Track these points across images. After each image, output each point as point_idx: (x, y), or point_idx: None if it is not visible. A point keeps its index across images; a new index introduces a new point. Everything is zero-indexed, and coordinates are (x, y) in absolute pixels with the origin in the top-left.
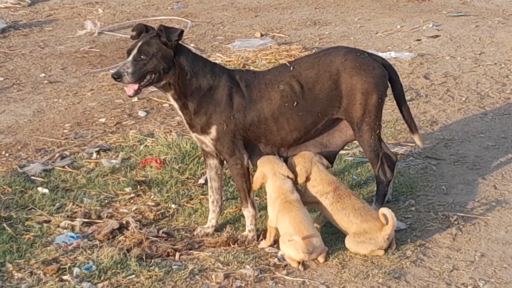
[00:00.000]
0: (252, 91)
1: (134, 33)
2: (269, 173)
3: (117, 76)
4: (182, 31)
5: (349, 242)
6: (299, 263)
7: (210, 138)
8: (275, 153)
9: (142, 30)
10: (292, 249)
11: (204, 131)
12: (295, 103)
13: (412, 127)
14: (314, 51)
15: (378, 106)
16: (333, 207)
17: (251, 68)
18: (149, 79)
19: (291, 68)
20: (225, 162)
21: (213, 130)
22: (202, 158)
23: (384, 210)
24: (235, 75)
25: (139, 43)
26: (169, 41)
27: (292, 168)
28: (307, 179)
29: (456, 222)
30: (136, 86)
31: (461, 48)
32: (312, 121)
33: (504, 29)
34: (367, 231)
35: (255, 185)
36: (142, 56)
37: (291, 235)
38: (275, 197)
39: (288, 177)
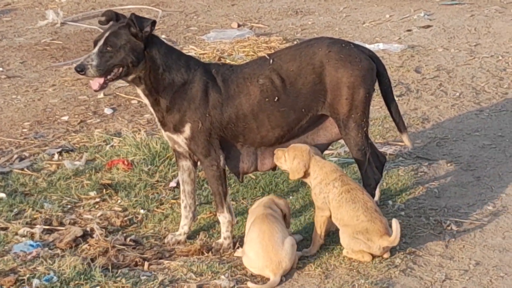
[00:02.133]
0: (229, 86)
1: (103, 19)
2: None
3: (81, 69)
4: (154, 22)
5: (344, 234)
6: None
7: (183, 137)
8: (253, 153)
9: (112, 17)
10: (257, 271)
11: (177, 129)
12: (276, 98)
13: (401, 126)
14: (295, 42)
15: (366, 101)
16: (342, 197)
17: (228, 61)
18: (116, 72)
19: (271, 61)
20: (199, 163)
21: (187, 129)
22: (174, 159)
23: (394, 223)
24: (211, 69)
25: (107, 33)
26: (140, 32)
27: (280, 160)
28: (305, 174)
29: (449, 228)
30: (101, 80)
31: (455, 39)
32: (295, 117)
33: (502, 19)
34: (368, 231)
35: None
36: (108, 48)
37: (258, 261)
38: (254, 206)
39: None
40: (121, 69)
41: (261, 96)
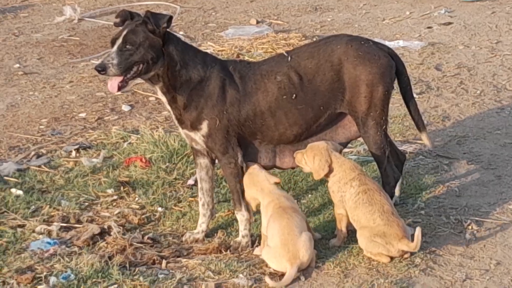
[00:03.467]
0: (246, 83)
1: (117, 20)
2: (257, 191)
3: (101, 69)
4: (171, 17)
5: (361, 237)
6: None
7: (201, 134)
8: (272, 151)
9: (126, 17)
10: (275, 264)
11: (194, 127)
12: (294, 95)
13: (420, 125)
14: (314, 39)
15: (385, 99)
16: (359, 197)
17: (246, 58)
18: (136, 70)
19: (289, 58)
20: (217, 161)
21: (204, 126)
22: (192, 156)
23: (417, 230)
24: (228, 65)
25: (124, 32)
26: (157, 28)
27: (301, 163)
28: (330, 170)
29: (469, 227)
30: (120, 79)
31: (476, 36)
32: (313, 115)
33: None
34: (386, 235)
35: (252, 207)
36: (128, 46)
37: (275, 252)
38: (268, 201)
39: (275, 182)
40: (141, 66)
41: (278, 93)
